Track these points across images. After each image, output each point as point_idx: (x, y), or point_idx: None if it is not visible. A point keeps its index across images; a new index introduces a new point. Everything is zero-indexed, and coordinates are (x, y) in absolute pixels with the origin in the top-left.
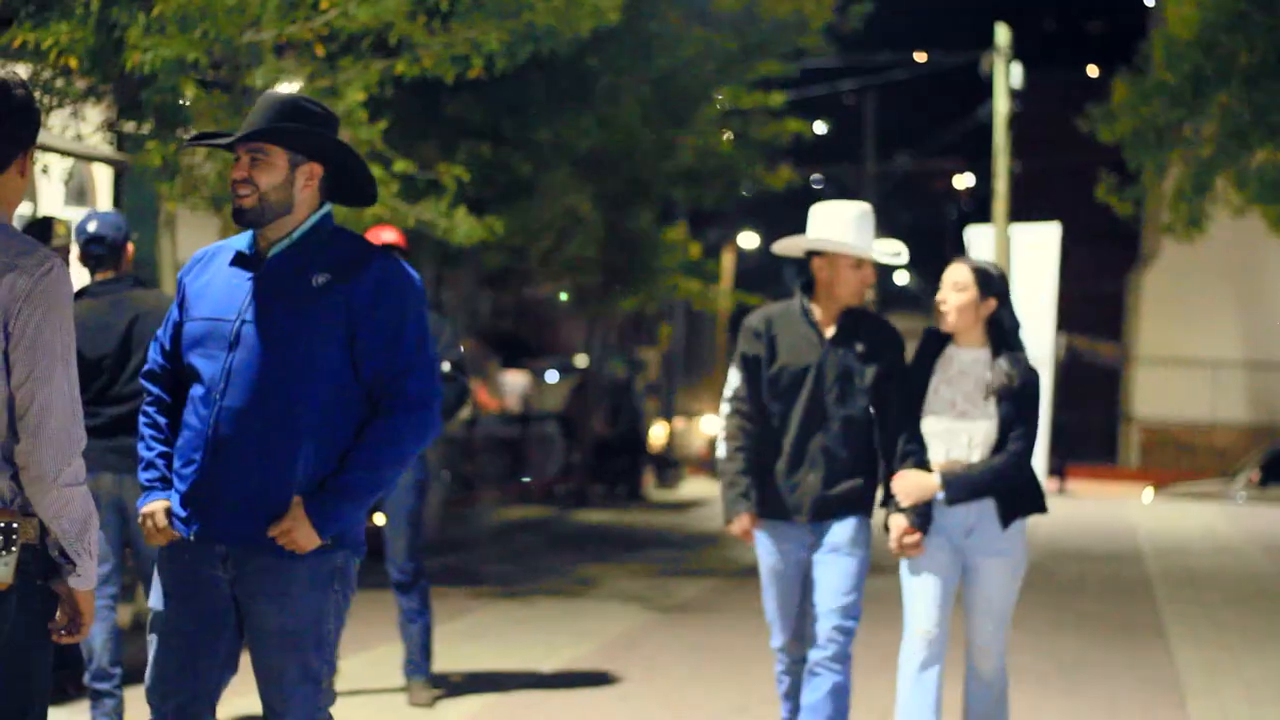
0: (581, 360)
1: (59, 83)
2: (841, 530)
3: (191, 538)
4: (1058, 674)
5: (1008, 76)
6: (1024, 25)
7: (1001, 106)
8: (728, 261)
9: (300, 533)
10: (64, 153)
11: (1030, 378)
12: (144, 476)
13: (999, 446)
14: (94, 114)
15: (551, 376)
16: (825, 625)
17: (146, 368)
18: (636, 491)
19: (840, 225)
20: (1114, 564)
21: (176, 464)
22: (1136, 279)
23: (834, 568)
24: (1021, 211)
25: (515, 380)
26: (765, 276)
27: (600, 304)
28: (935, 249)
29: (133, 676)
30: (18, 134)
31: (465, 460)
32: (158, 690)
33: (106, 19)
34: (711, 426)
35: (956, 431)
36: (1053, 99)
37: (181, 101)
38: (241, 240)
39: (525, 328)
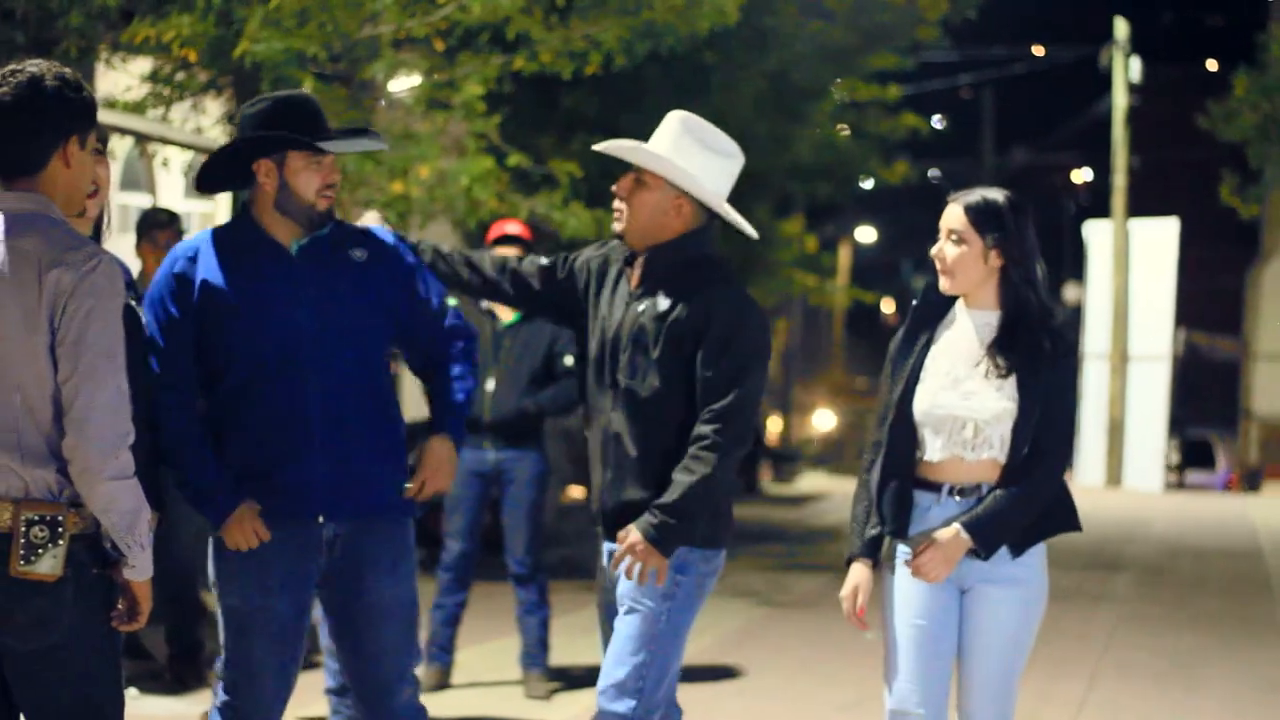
0: None
1: (179, 76)
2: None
3: (321, 520)
4: (1175, 672)
5: (1127, 70)
6: (1143, 19)
7: (1120, 101)
8: (844, 256)
9: (446, 454)
10: (184, 145)
11: (1064, 350)
12: (206, 482)
13: (1019, 447)
14: (214, 107)
15: None
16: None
17: (161, 380)
18: (753, 485)
19: (655, 136)
20: (1232, 561)
21: (259, 455)
22: (1257, 274)
23: (620, 623)
24: (1140, 206)
25: None
26: (882, 271)
27: None
28: (1053, 245)
29: None
30: (55, 126)
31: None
32: (259, 688)
33: (227, 13)
34: (825, 420)
35: (960, 417)
36: (1172, 93)
37: None
38: (236, 230)
39: None
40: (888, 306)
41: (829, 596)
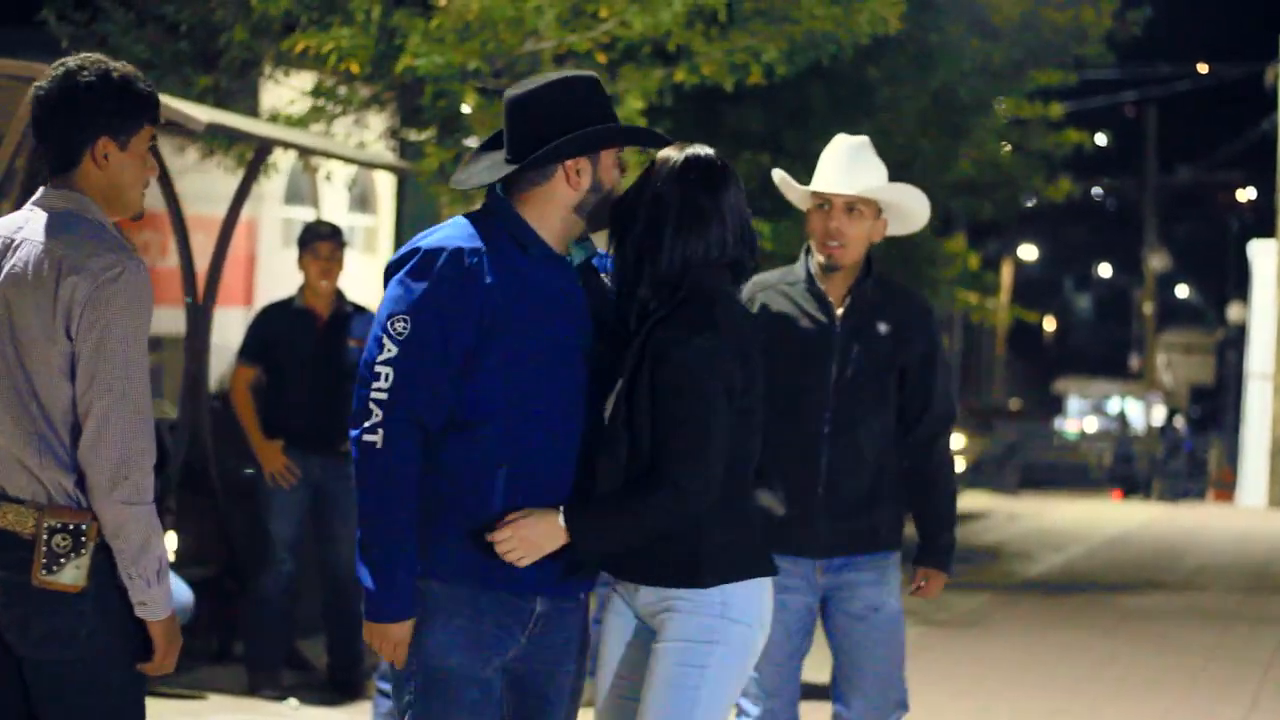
0: None
1: (342, 90)
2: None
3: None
4: None
5: None
6: None
7: None
8: (1006, 273)
9: None
10: (347, 160)
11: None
12: None
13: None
14: (377, 122)
15: None
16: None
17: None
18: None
19: (835, 162)
20: None
21: None
22: None
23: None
24: None
25: None
26: (1044, 289)
27: None
28: (1217, 264)
29: None
30: (85, 123)
31: None
32: None
33: (387, 26)
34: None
35: None
36: None
37: (463, 108)
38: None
39: None
40: (1050, 324)
41: (989, 615)
